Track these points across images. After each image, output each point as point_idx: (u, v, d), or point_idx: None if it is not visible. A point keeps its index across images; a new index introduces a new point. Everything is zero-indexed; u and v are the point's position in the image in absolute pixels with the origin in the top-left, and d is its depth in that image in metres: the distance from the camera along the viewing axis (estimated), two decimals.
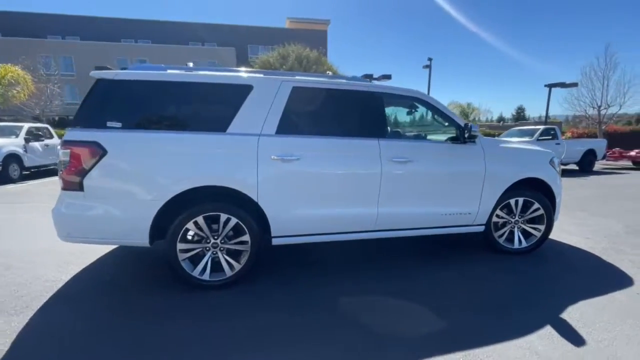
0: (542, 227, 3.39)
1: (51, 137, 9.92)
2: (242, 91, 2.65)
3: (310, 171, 2.69)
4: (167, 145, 2.46)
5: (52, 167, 9.28)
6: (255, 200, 2.59)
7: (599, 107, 21.11)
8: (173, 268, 2.52)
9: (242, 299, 2.46)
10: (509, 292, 2.65)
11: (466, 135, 3.07)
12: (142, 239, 2.47)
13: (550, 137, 10.75)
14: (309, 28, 36.74)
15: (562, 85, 17.79)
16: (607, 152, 12.65)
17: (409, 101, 3.22)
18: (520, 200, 3.33)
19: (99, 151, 2.32)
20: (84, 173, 2.32)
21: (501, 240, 3.41)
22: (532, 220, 3.42)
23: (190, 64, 2.84)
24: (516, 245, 3.42)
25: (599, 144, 12.15)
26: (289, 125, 2.71)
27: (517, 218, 3.40)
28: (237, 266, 2.63)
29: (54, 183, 7.73)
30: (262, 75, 2.78)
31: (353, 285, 2.73)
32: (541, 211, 3.35)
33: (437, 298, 2.53)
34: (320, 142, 2.76)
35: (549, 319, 2.22)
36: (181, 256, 2.51)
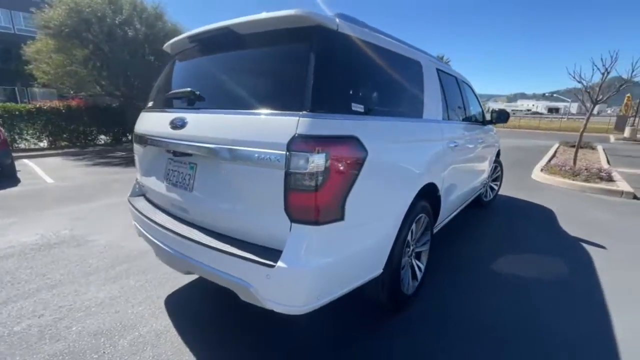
0: (498, 183, 4.90)
1: None
2: (418, 68, 2.26)
3: (462, 157, 2.74)
4: (409, 135, 1.91)
5: None
6: (440, 192, 2.39)
7: None
8: (392, 292, 1.98)
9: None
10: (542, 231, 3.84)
11: (489, 119, 3.93)
12: (378, 268, 1.78)
13: None
14: None
15: None
16: None
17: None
18: (494, 165, 4.65)
19: (362, 153, 1.45)
20: (347, 190, 1.40)
21: (482, 196, 4.66)
22: (494, 179, 4.85)
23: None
24: (488, 198, 4.78)
25: None
26: (445, 109, 2.58)
27: (491, 179, 4.72)
28: (422, 267, 2.39)
29: None
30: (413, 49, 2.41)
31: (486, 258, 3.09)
32: (500, 172, 4.83)
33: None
34: (462, 128, 2.81)
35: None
36: (401, 274, 2.02)
